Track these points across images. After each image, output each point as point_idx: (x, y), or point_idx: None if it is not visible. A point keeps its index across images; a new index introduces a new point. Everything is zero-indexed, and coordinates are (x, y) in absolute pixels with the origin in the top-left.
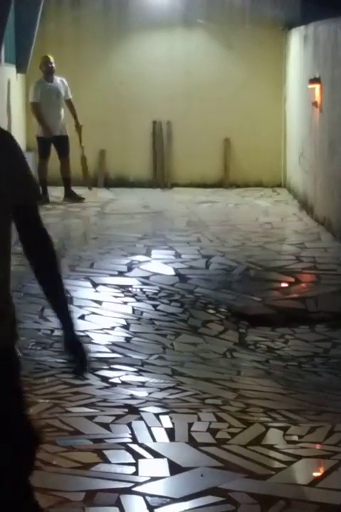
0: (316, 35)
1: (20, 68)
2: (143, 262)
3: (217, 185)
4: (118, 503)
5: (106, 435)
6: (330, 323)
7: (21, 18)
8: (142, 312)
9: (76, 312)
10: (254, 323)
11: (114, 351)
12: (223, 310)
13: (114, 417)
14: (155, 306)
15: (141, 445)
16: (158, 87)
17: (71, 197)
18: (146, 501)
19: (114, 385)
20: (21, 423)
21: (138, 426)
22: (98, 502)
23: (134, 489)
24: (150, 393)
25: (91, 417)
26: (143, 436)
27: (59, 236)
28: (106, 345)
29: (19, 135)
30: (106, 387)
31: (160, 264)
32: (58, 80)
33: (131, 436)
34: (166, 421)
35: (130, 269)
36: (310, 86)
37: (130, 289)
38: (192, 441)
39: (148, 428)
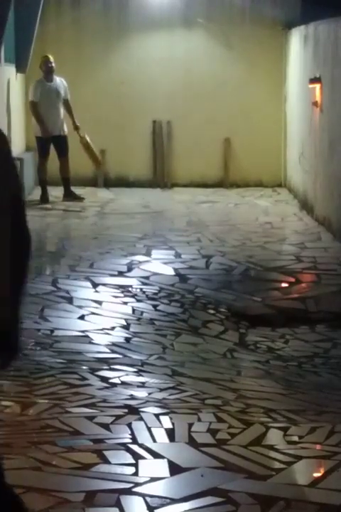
0: (316, 35)
1: (20, 68)
2: (143, 262)
3: (217, 185)
4: (118, 504)
5: (106, 435)
6: (330, 324)
7: (21, 18)
8: (142, 312)
9: (76, 312)
10: (254, 324)
11: (113, 351)
12: (223, 310)
13: (113, 418)
14: (155, 306)
15: (141, 445)
16: (158, 87)
17: (70, 197)
18: (146, 502)
19: (114, 385)
20: None
21: (138, 426)
22: (98, 502)
23: (134, 490)
24: (150, 393)
25: (91, 418)
26: (143, 437)
27: (59, 236)
28: (106, 346)
29: (19, 135)
30: (106, 388)
31: (160, 264)
32: (58, 79)
33: (130, 436)
34: (166, 421)
35: (130, 269)
36: (311, 86)
37: (130, 289)
38: (192, 442)
39: (148, 428)
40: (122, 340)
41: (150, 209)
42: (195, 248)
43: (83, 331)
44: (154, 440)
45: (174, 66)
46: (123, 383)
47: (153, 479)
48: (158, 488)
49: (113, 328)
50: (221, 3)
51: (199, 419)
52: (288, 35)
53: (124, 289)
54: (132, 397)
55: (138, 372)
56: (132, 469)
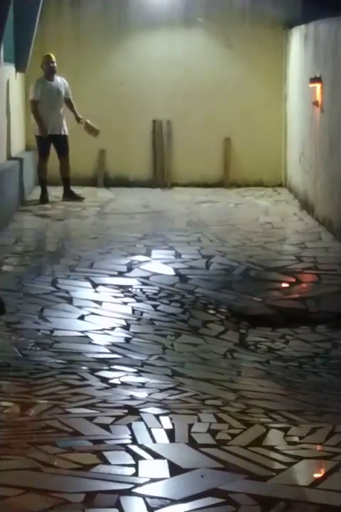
0: (316, 35)
1: (20, 68)
2: (143, 262)
3: (217, 184)
4: (118, 505)
5: (106, 436)
6: (331, 324)
7: (21, 18)
8: (142, 312)
9: (76, 312)
10: (255, 324)
11: (113, 352)
12: (223, 310)
13: (113, 418)
14: (155, 307)
15: (141, 446)
16: (158, 87)
17: (70, 196)
18: (146, 502)
19: (114, 385)
20: None
21: (138, 427)
22: (98, 503)
23: (134, 490)
24: (150, 394)
25: (91, 418)
26: (143, 438)
27: (58, 236)
28: (106, 346)
29: (18, 135)
30: (106, 388)
31: (160, 264)
32: (59, 79)
33: (130, 437)
34: (166, 422)
35: (130, 269)
36: (311, 85)
37: (130, 289)
38: (192, 442)
39: (148, 429)
40: (122, 340)
41: (150, 209)
42: (195, 248)
43: (83, 331)
44: (154, 441)
45: (174, 66)
46: (123, 384)
47: (153, 480)
48: (158, 489)
49: (113, 329)
50: (221, 3)
51: (199, 420)
52: (288, 35)
53: (124, 289)
54: (132, 398)
55: (138, 373)
56: (132, 470)
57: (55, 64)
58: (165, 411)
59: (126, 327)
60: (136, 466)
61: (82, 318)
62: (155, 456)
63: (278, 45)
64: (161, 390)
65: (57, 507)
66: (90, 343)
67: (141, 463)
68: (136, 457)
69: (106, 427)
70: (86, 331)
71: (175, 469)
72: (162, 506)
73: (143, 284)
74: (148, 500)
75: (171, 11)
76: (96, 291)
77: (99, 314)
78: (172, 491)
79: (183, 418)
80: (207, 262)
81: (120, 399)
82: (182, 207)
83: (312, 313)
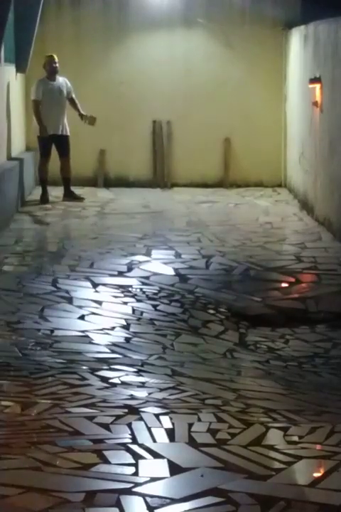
0: (316, 35)
1: (20, 68)
2: (143, 262)
3: (217, 185)
4: (118, 504)
5: (106, 436)
6: (331, 324)
7: (21, 18)
8: (142, 312)
9: (76, 312)
10: (254, 324)
11: (113, 351)
12: (223, 310)
13: (113, 418)
14: (155, 306)
15: (141, 445)
16: (158, 87)
17: (70, 197)
18: (146, 502)
19: (114, 385)
20: None
21: (138, 426)
22: (98, 503)
23: (134, 490)
24: (150, 393)
25: (91, 418)
26: (143, 437)
27: (59, 236)
28: (106, 346)
29: (18, 135)
30: (106, 388)
31: (160, 264)
32: (61, 79)
33: (130, 436)
34: (166, 421)
35: (130, 269)
36: (311, 86)
37: (130, 289)
38: (192, 442)
39: (148, 428)
40: (122, 340)
41: (150, 209)
42: (195, 248)
43: (83, 331)
44: (154, 440)
45: (174, 66)
46: (123, 383)
47: (153, 479)
48: (158, 488)
49: (113, 328)
50: (221, 3)
51: (199, 419)
52: (288, 35)
53: (124, 289)
54: (132, 397)
55: (138, 372)
56: (132, 469)
57: (58, 64)
58: (165, 410)
59: (126, 327)
60: (136, 465)
61: (82, 318)
62: (155, 455)
63: (277, 45)
64: (161, 390)
65: (57, 506)
66: (90, 342)
67: (141, 462)
68: (136, 456)
69: (106, 426)
70: (86, 331)
71: (175, 469)
72: (162, 505)
73: (143, 283)
74: (148, 499)
75: (171, 11)
76: (96, 291)
77: (99, 314)
78: (172, 490)
79: (183, 417)
80: (207, 262)
81: (120, 398)
82: (182, 207)
83: (312, 313)
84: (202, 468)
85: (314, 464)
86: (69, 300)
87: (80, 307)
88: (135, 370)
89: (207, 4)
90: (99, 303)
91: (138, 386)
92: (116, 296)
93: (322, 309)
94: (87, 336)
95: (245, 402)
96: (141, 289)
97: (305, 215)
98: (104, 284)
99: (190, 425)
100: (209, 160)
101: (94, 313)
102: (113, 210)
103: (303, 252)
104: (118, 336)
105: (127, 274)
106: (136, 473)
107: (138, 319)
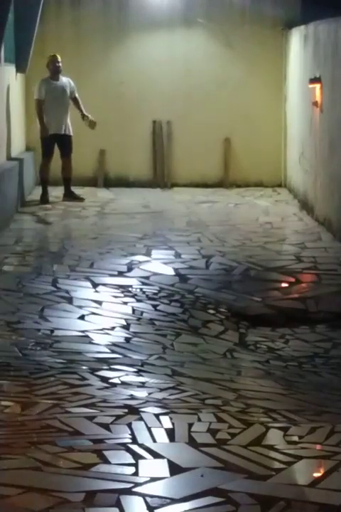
0: (316, 35)
1: (20, 68)
2: (143, 262)
3: (217, 185)
4: (118, 504)
5: (106, 436)
6: (331, 324)
7: (21, 18)
8: (142, 312)
9: (76, 312)
10: (254, 324)
11: (113, 351)
12: (223, 310)
13: (113, 418)
14: (155, 306)
15: (141, 445)
16: (158, 87)
17: (71, 197)
18: (146, 502)
19: (114, 385)
20: None
21: (138, 426)
22: (98, 503)
23: (134, 490)
24: (150, 393)
25: (91, 418)
26: (143, 437)
27: (59, 236)
28: (106, 346)
29: (18, 135)
30: (106, 388)
31: (160, 264)
32: (64, 79)
33: (130, 436)
34: (166, 421)
35: (130, 269)
36: (311, 86)
37: (130, 289)
38: (192, 442)
39: (148, 428)
40: (122, 340)
41: (150, 209)
42: (195, 248)
43: (83, 331)
44: (154, 440)
45: (174, 66)
46: (123, 383)
47: (153, 479)
48: (158, 488)
49: (113, 328)
50: (221, 3)
51: (199, 419)
52: (288, 35)
53: (124, 289)
54: (132, 397)
55: (138, 372)
56: (132, 469)
57: (61, 64)
58: (165, 410)
59: (126, 327)
60: (136, 465)
61: (82, 317)
62: (155, 455)
63: (277, 45)
64: (161, 390)
65: (57, 506)
66: (90, 342)
67: (141, 462)
68: (136, 456)
69: (106, 426)
70: (86, 331)
71: (175, 468)
72: (162, 505)
73: (143, 283)
74: (148, 499)
75: (171, 11)
76: (96, 291)
77: (99, 314)
78: (172, 490)
79: (183, 417)
80: (207, 262)
81: (120, 398)
82: (182, 207)
83: (312, 313)
84: (202, 468)
85: (314, 464)
86: (69, 300)
87: (80, 307)
88: (135, 370)
89: (207, 4)
90: (99, 303)
91: (138, 386)
92: (116, 296)
93: (322, 309)
94: (87, 336)
95: (245, 402)
96: (141, 289)
97: (305, 215)
98: (104, 284)
99: (190, 425)
100: (209, 160)
101: (94, 313)
102: (113, 210)
103: (303, 252)
104: (118, 336)
105: (127, 274)
106: (136, 473)
107: (138, 319)
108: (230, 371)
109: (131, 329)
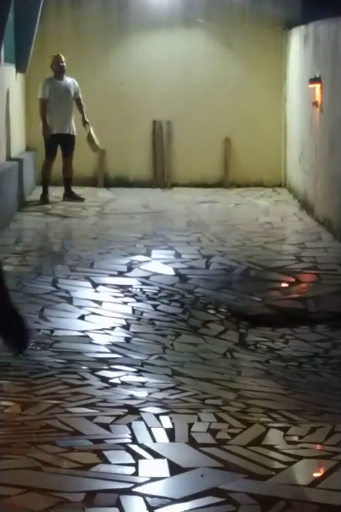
0: (316, 35)
1: (20, 68)
2: (143, 262)
3: (217, 185)
4: (118, 504)
5: (106, 436)
6: (331, 324)
7: (21, 18)
8: (142, 312)
9: (76, 312)
10: (254, 324)
11: (113, 351)
12: (223, 310)
13: (113, 418)
14: (155, 306)
15: (141, 445)
16: (158, 87)
17: (71, 197)
18: (146, 502)
19: (114, 385)
20: None
21: (138, 426)
22: (98, 502)
23: (134, 490)
24: (150, 393)
25: (91, 418)
26: (143, 437)
27: (59, 236)
28: (106, 346)
29: (18, 135)
30: (106, 388)
31: (160, 264)
32: (68, 79)
33: (130, 436)
34: (166, 421)
35: (130, 269)
36: (311, 86)
37: (130, 289)
38: (192, 442)
39: (148, 428)
40: (122, 340)
41: (150, 209)
42: (195, 248)
43: (83, 331)
44: (154, 440)
45: (174, 66)
46: (123, 383)
47: (153, 479)
48: (158, 488)
49: (113, 328)
50: (221, 3)
51: (199, 419)
52: (288, 35)
53: (124, 289)
54: (132, 397)
55: (138, 372)
56: (132, 469)
57: (65, 64)
58: (165, 410)
59: (126, 327)
60: (136, 465)
61: (82, 317)
62: (155, 455)
63: (277, 45)
64: (161, 390)
65: (57, 506)
66: (90, 342)
67: (141, 462)
68: (136, 456)
69: (106, 426)
70: (86, 331)
71: (175, 468)
72: (162, 505)
73: (143, 283)
74: (148, 499)
75: (171, 11)
76: (96, 291)
77: (99, 314)
78: (172, 490)
79: (183, 417)
80: (207, 262)
81: (120, 398)
82: (182, 207)
83: (311, 313)
84: (202, 468)
85: (314, 464)
86: (69, 300)
87: (80, 307)
88: (135, 370)
89: (207, 4)
90: (99, 303)
91: (138, 386)
92: (116, 296)
93: (322, 309)
94: (87, 336)
95: (245, 402)
96: (141, 289)
97: (305, 215)
98: (104, 284)
99: (190, 425)
100: (209, 160)
101: (94, 313)
102: (113, 210)
103: (303, 252)
104: (118, 336)
105: (127, 274)
106: (136, 473)
107: (138, 319)
108: (230, 371)
109: (131, 329)
